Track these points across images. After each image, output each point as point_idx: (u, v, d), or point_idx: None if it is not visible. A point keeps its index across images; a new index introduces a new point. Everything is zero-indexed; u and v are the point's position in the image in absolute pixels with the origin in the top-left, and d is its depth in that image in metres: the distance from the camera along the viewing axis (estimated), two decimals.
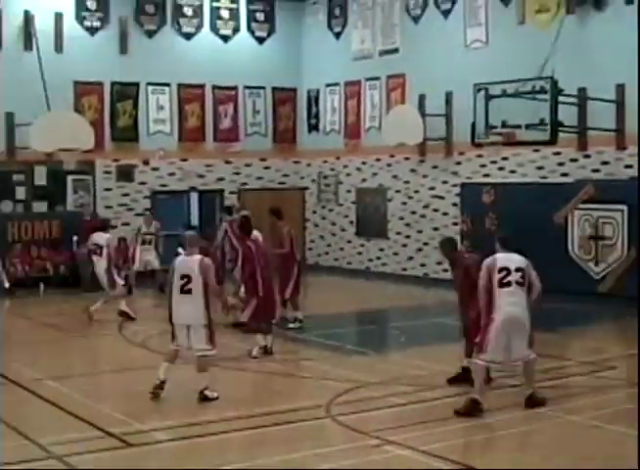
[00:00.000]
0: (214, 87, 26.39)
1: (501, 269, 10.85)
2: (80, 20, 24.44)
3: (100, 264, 17.91)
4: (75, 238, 22.92)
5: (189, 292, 11.51)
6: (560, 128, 19.16)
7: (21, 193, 23.84)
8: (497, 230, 19.39)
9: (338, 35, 26.76)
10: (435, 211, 24.00)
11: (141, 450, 9.61)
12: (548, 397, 11.42)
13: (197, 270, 11.49)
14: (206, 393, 11.51)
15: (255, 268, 14.36)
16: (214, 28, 26.40)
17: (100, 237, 18.07)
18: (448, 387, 12.14)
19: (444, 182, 23.76)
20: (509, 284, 10.80)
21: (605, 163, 20.23)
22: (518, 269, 10.91)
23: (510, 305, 10.77)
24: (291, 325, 16.59)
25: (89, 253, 18.45)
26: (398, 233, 25.00)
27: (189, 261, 11.64)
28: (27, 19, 23.52)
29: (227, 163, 26.67)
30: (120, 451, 9.54)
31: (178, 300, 11.60)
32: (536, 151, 21.26)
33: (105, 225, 18.93)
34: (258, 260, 14.42)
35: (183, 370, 13.67)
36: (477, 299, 11.04)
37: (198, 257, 11.68)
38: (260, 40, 27.16)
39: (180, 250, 23.88)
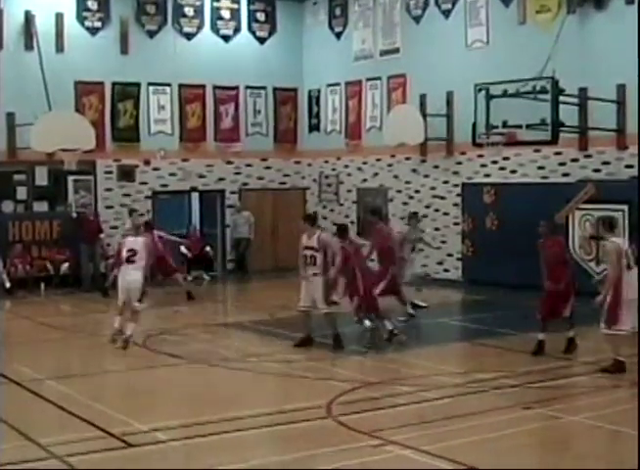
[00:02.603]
0: (215, 87, 26.38)
1: None
2: (81, 20, 24.44)
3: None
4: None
5: (133, 262, 15.26)
6: (561, 128, 19.17)
7: (21, 193, 23.85)
8: (498, 230, 19.38)
9: (339, 35, 26.76)
10: (437, 211, 24.00)
11: (142, 451, 9.61)
12: (549, 397, 11.44)
13: (141, 247, 15.38)
14: (131, 340, 15.00)
15: (355, 269, 15.25)
16: (215, 28, 26.39)
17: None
18: (449, 387, 12.14)
19: (445, 182, 23.76)
20: None
21: (606, 162, 20.24)
22: None
23: None
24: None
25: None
26: (399, 233, 24.91)
27: (136, 240, 15.60)
28: (28, 19, 23.52)
29: (228, 163, 26.67)
30: (121, 452, 9.54)
31: (124, 267, 15.31)
32: (537, 151, 21.26)
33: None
34: (357, 262, 15.34)
35: (183, 371, 13.72)
36: None
37: (142, 238, 15.84)
38: (261, 40, 27.15)
39: (183, 249, 24.14)
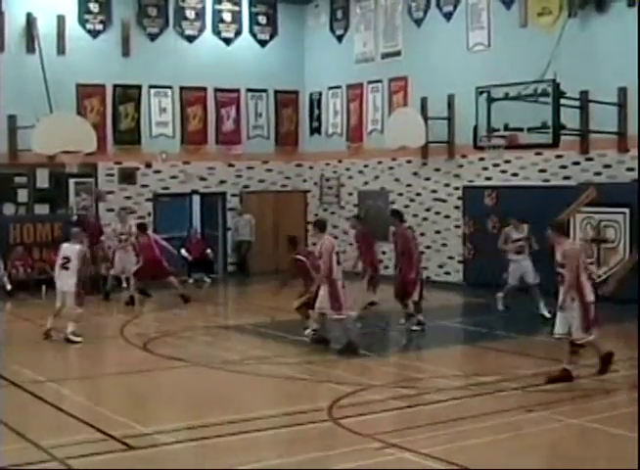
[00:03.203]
0: (217, 90, 26.40)
1: None
2: (83, 22, 24.47)
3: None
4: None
5: (67, 268, 16.07)
6: (562, 131, 19.18)
7: (22, 195, 23.87)
8: (499, 233, 19.37)
9: (340, 38, 26.78)
10: (438, 213, 24.00)
11: (143, 453, 9.59)
12: (550, 400, 11.43)
13: (74, 255, 16.08)
14: (70, 336, 15.77)
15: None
16: (216, 31, 26.42)
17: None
18: (451, 389, 12.14)
19: (446, 185, 23.76)
20: None
21: (607, 165, 20.23)
22: None
23: None
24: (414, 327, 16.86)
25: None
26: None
27: (71, 248, 16.33)
28: (30, 21, 23.55)
29: (229, 165, 26.68)
30: (122, 454, 9.52)
31: (59, 273, 16.25)
32: (538, 154, 21.26)
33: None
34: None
35: (185, 372, 13.72)
36: None
37: (77, 246, 16.38)
38: (263, 43, 27.18)
39: (183, 252, 24.14)
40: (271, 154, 27.42)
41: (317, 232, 15.36)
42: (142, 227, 20.91)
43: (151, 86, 25.40)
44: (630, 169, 19.63)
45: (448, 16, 23.52)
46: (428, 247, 23.89)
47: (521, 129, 19.51)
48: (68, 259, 16.18)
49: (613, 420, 10.55)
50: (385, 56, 25.40)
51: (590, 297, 12.41)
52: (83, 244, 17.14)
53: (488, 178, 22.68)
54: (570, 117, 19.47)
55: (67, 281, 16.09)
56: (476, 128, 20.48)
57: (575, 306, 12.29)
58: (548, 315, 16.74)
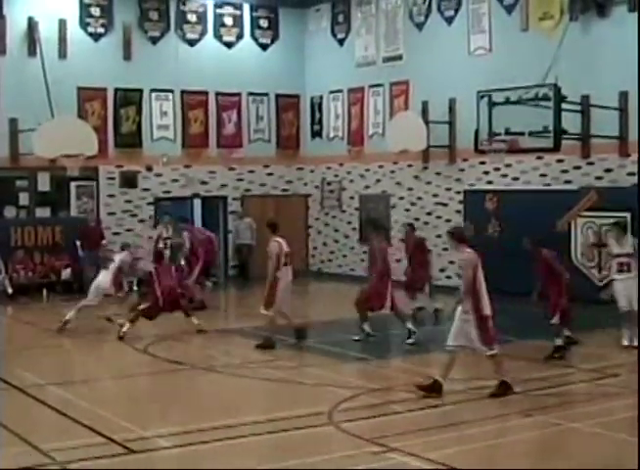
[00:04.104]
0: (218, 93, 26.43)
1: None
2: (84, 26, 24.51)
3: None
4: (79, 243, 22.95)
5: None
6: (563, 135, 19.17)
7: (24, 199, 23.90)
8: (500, 237, 19.33)
9: (341, 42, 26.80)
10: (439, 217, 24.00)
11: (144, 457, 9.60)
12: (549, 404, 11.42)
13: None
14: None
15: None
16: (218, 35, 26.46)
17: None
18: (450, 394, 12.13)
19: (448, 189, 23.77)
20: None
21: (608, 170, 20.24)
22: None
23: None
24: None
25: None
26: (402, 240, 24.95)
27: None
28: (31, 25, 23.59)
29: (230, 169, 26.70)
30: (123, 458, 9.53)
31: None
32: (539, 158, 21.27)
33: None
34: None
35: (186, 376, 13.72)
36: None
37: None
38: (264, 47, 27.21)
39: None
40: (272, 157, 27.44)
41: (269, 233, 15.61)
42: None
43: (152, 90, 25.43)
44: (631, 174, 19.63)
45: (450, 20, 23.55)
46: (429, 250, 23.83)
47: (522, 133, 19.49)
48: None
49: (613, 424, 10.55)
50: (386, 60, 25.42)
51: (486, 310, 11.89)
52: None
53: (489, 182, 22.70)
54: (571, 122, 19.47)
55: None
56: (477, 132, 20.48)
57: (471, 318, 11.82)
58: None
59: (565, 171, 21.00)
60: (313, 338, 16.14)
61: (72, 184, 24.23)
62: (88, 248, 22.85)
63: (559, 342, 14.46)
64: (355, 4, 26.34)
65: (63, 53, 24.09)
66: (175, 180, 25.83)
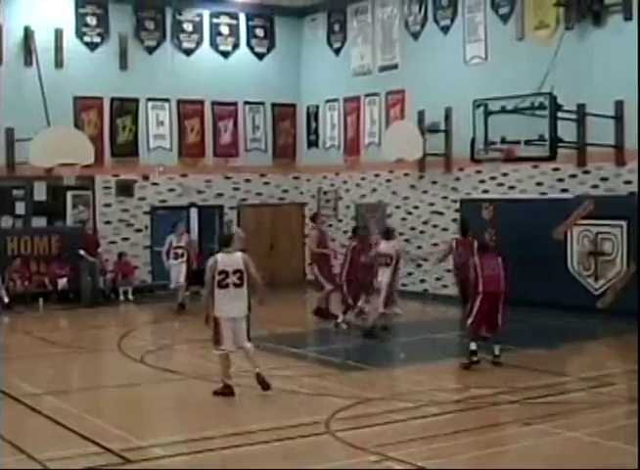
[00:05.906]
0: (214, 103, 26.43)
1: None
2: (80, 35, 24.50)
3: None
4: (82, 252, 22.85)
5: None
6: (559, 144, 19.17)
7: (20, 208, 23.86)
8: (497, 246, 19.26)
9: (337, 51, 26.83)
10: (435, 226, 24.00)
11: (140, 467, 9.57)
12: (548, 413, 11.42)
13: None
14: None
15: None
16: (214, 44, 26.47)
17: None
18: (448, 402, 12.12)
19: (444, 198, 23.77)
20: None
21: (604, 178, 20.24)
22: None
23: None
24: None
25: None
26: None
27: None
28: (28, 34, 23.58)
29: (227, 178, 26.70)
30: (119, 468, 9.51)
31: None
32: (535, 167, 21.27)
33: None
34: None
35: (183, 385, 13.70)
36: None
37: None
38: (260, 56, 27.23)
39: None
40: (269, 166, 27.44)
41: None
42: None
43: (148, 99, 25.42)
44: (628, 182, 19.64)
45: (445, 29, 23.57)
46: (425, 259, 23.88)
47: (518, 142, 19.48)
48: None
49: (611, 433, 10.53)
50: (382, 69, 25.44)
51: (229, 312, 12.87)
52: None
53: (485, 191, 22.69)
54: (567, 130, 19.48)
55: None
56: (473, 141, 20.47)
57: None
58: None
59: (561, 180, 21.00)
60: (310, 347, 16.13)
61: (69, 193, 24.21)
62: (87, 255, 22.82)
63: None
64: (351, 13, 26.37)
65: (59, 62, 24.07)
66: (172, 189, 25.82)
